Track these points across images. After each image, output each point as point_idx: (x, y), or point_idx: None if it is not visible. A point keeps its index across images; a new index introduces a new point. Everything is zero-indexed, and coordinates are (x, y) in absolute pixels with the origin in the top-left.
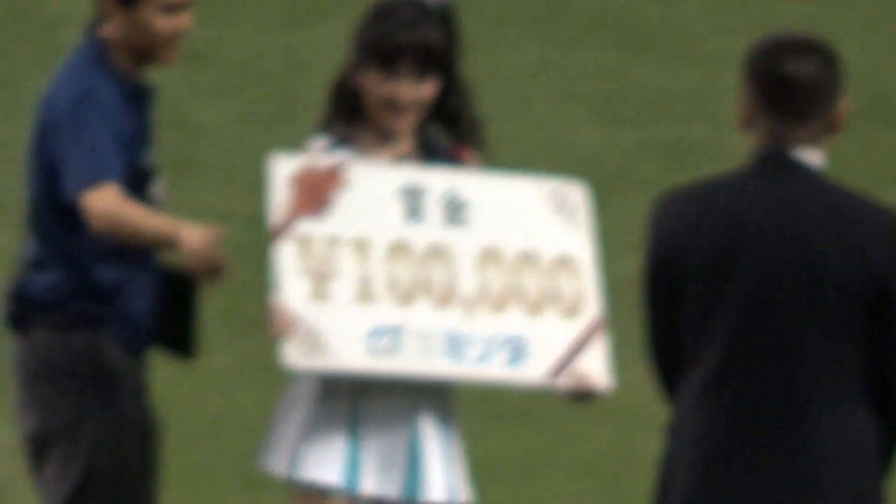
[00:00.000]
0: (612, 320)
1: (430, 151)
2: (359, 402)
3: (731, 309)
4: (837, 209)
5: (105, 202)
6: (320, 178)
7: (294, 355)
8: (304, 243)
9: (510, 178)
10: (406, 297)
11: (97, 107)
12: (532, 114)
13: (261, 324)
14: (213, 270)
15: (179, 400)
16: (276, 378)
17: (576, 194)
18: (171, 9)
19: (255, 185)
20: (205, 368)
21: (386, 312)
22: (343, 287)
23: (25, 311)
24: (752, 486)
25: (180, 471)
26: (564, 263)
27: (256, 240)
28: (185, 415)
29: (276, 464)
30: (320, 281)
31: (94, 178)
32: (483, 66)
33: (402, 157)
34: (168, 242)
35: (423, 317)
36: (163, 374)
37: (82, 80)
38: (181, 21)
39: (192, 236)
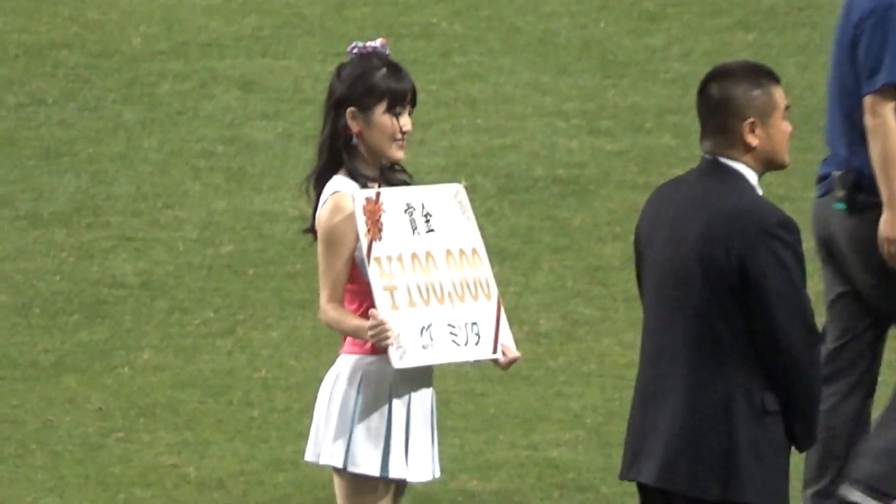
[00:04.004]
0: (597, 296)
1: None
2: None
3: (648, 282)
4: (718, 207)
5: None
6: (373, 208)
7: (394, 358)
8: (378, 263)
9: (427, 187)
10: (427, 298)
11: None
12: (528, 128)
13: (305, 305)
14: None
15: (237, 368)
16: (319, 350)
17: (464, 194)
18: None
19: (300, 191)
20: (258, 341)
21: (422, 314)
22: (401, 296)
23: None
24: (655, 426)
25: (238, 426)
26: (475, 254)
27: (300, 236)
28: (242, 380)
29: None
30: (392, 293)
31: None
32: (487, 90)
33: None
34: None
35: (437, 313)
36: (223, 345)
37: None
38: None
39: None
